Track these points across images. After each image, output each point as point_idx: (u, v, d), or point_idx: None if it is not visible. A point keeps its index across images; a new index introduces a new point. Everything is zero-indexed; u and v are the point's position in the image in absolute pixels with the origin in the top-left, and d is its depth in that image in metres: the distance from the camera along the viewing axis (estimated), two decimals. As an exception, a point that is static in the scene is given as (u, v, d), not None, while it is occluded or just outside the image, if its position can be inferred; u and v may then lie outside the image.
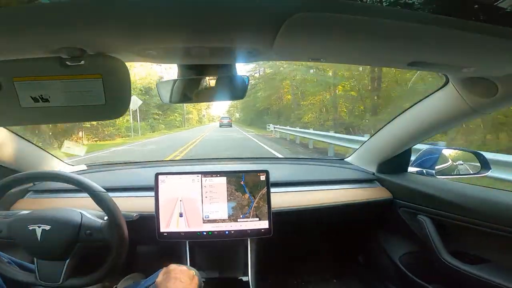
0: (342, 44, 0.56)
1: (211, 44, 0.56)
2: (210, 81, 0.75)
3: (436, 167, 1.26)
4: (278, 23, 0.43)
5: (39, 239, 0.82)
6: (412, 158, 1.36)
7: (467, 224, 0.98)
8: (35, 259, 0.86)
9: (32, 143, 1.26)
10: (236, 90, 0.76)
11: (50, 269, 0.85)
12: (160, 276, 0.80)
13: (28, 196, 1.22)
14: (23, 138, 1.20)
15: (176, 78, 0.74)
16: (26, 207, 1.14)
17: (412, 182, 1.24)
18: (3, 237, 0.85)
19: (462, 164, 1.31)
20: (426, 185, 1.18)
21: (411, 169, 1.34)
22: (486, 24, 0.40)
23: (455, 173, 1.31)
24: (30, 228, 0.83)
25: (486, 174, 1.21)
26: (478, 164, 1.24)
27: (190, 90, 0.77)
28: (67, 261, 0.85)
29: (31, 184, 1.24)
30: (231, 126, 25.28)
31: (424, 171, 1.28)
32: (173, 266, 0.82)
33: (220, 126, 25.06)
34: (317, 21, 0.43)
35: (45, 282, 0.85)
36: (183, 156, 7.38)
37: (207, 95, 0.77)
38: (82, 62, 0.51)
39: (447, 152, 1.31)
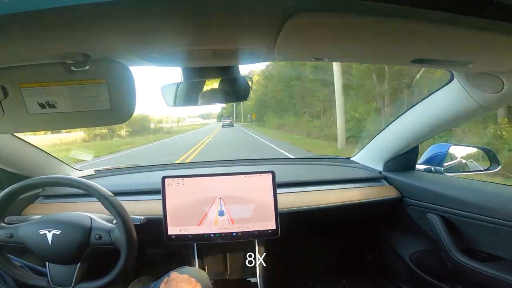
0: (344, 43, 0.56)
1: (213, 46, 0.56)
2: (214, 83, 0.76)
3: (445, 164, 1.24)
4: (280, 23, 0.43)
5: (50, 243, 0.83)
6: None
7: (477, 222, 0.96)
8: (47, 263, 0.87)
9: (40, 149, 1.27)
10: (240, 91, 0.76)
11: (62, 273, 0.86)
12: (162, 285, 0.80)
13: (38, 201, 1.24)
14: (31, 144, 1.22)
15: (180, 81, 0.74)
16: (36, 211, 1.16)
17: (420, 180, 1.22)
18: (15, 242, 0.86)
19: (471, 160, 1.29)
20: (434, 182, 1.16)
21: (418, 166, 1.32)
22: (490, 21, 0.39)
23: (464, 170, 1.29)
24: (41, 232, 0.84)
25: (496, 170, 1.19)
26: (488, 161, 1.22)
27: (194, 92, 0.78)
28: (78, 265, 0.86)
29: (41, 189, 1.26)
30: (232, 126, 29.31)
31: (432, 168, 1.27)
32: (174, 275, 0.82)
33: (223, 126, 28.96)
34: (319, 20, 0.43)
35: (57, 286, 0.86)
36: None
37: (211, 97, 0.78)
38: (87, 67, 0.52)
39: (455, 148, 1.29)
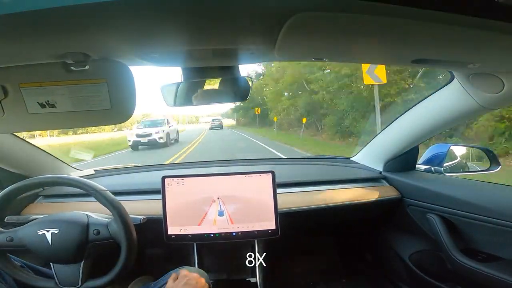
0: (344, 43, 0.56)
1: (213, 46, 0.56)
2: (214, 83, 0.76)
3: (445, 165, 1.24)
4: (280, 23, 0.43)
5: (50, 243, 0.84)
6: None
7: (477, 222, 0.96)
8: (51, 265, 0.88)
9: (40, 149, 1.27)
10: (240, 91, 0.77)
11: (67, 273, 0.87)
12: (171, 281, 0.80)
13: (38, 201, 1.24)
14: (31, 144, 1.22)
15: (180, 81, 0.74)
16: (36, 211, 1.16)
17: (420, 180, 1.22)
18: (16, 245, 0.86)
19: (470, 161, 1.29)
20: (434, 182, 1.16)
21: (418, 166, 1.32)
22: (490, 21, 0.39)
23: (464, 170, 1.29)
24: (40, 233, 0.84)
25: (496, 170, 1.19)
26: (488, 161, 1.22)
27: (194, 92, 0.78)
28: (82, 263, 0.87)
29: (41, 189, 1.26)
30: (222, 128, 25.35)
31: (432, 168, 1.26)
32: (184, 272, 0.82)
33: (211, 128, 24.86)
34: (319, 20, 0.43)
35: (65, 286, 0.86)
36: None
37: (211, 97, 0.78)
38: (87, 67, 0.52)
39: (455, 149, 1.29)
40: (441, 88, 0.96)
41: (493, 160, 1.20)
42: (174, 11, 0.39)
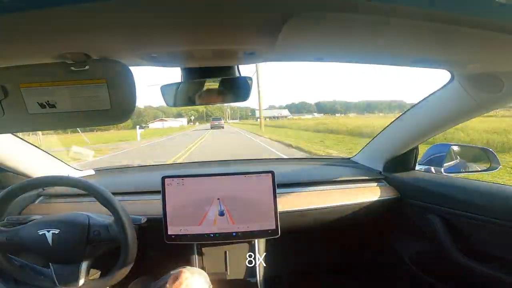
0: (344, 44, 0.56)
1: (213, 46, 0.56)
2: (214, 83, 0.76)
3: (444, 164, 1.24)
4: (280, 23, 0.43)
5: (50, 243, 0.84)
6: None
7: (477, 222, 0.96)
8: (50, 265, 0.88)
9: (40, 149, 1.27)
10: (240, 91, 0.77)
11: (67, 273, 0.87)
12: (171, 281, 0.80)
13: (38, 201, 1.24)
14: (31, 144, 1.22)
15: (180, 81, 0.74)
16: (36, 211, 1.16)
17: (420, 180, 1.22)
18: (15, 245, 0.86)
19: (470, 161, 1.29)
20: (434, 183, 1.16)
21: (418, 167, 1.32)
22: (490, 20, 0.39)
23: (463, 170, 1.29)
24: (40, 233, 0.84)
25: (496, 170, 1.19)
26: (487, 161, 1.22)
27: (194, 92, 0.78)
28: (82, 263, 0.87)
29: (41, 189, 1.26)
30: (223, 127, 26.69)
31: (432, 168, 1.26)
32: (184, 272, 0.82)
33: (212, 128, 26.01)
34: (319, 20, 0.43)
35: (64, 286, 0.86)
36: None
37: (211, 97, 0.78)
38: (87, 67, 0.52)
39: (455, 149, 1.29)
40: (441, 88, 0.96)
41: (493, 160, 1.20)
42: (174, 11, 0.39)
